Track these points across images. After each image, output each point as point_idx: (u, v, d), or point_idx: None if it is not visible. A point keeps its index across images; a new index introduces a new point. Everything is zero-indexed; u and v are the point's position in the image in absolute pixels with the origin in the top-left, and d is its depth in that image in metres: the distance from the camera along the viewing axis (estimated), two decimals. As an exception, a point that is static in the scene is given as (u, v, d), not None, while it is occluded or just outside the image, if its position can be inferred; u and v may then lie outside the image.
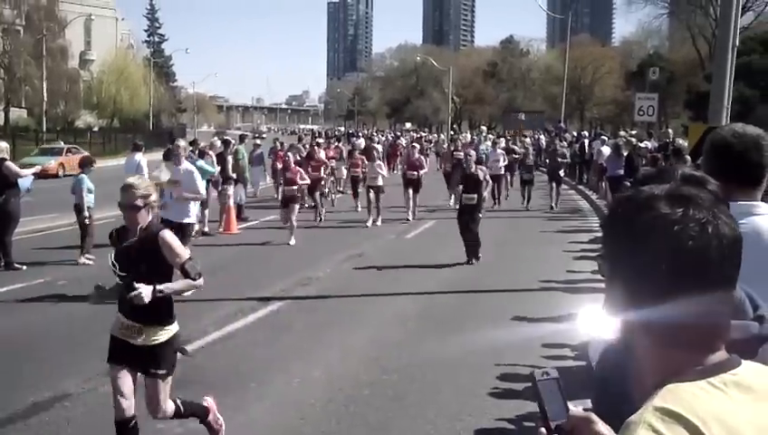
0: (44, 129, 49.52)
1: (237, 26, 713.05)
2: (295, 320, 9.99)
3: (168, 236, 5.13)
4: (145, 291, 4.86)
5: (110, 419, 6.44)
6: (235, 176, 18.56)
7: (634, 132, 29.70)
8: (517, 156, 25.32)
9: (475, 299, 11.47)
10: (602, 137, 29.85)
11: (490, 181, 14.73)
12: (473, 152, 15.17)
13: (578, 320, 5.99)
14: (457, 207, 14.66)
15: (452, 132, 70.23)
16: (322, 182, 20.72)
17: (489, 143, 35.15)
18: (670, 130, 27.45)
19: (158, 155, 22.47)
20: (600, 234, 17.56)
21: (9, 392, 7.02)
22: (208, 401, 5.73)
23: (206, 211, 17.35)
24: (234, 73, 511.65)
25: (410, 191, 20.09)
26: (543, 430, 1.57)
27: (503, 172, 23.99)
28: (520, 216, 21.52)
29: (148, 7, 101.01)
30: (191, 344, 8.67)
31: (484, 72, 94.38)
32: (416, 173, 20.08)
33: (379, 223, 19.18)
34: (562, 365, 7.27)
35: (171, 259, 5.06)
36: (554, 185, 23.31)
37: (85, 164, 13.99)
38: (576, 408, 1.59)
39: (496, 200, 23.08)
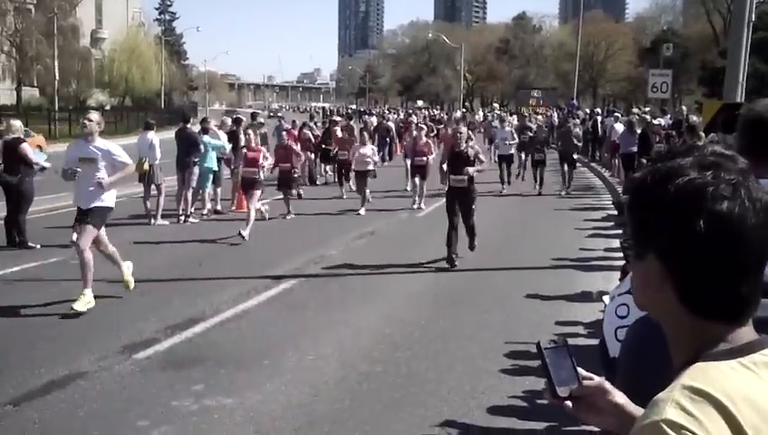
0: (56, 108, 49.53)
1: (248, 4, 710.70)
2: (308, 298, 10.02)
3: None
4: None
5: (126, 397, 6.52)
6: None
7: (647, 109, 29.52)
8: (532, 134, 23.40)
9: (487, 277, 11.46)
10: (615, 114, 29.71)
11: (484, 161, 12.59)
12: (464, 129, 13.07)
13: (603, 297, 5.98)
14: (445, 189, 12.57)
15: (464, 109, 70.02)
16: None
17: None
18: (684, 107, 27.27)
19: (170, 133, 22.49)
20: (612, 211, 17.54)
21: (25, 370, 7.08)
22: None
23: (219, 189, 17.40)
24: (245, 51, 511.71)
25: (417, 179, 18.48)
26: (566, 403, 1.56)
27: (512, 152, 22.28)
28: (532, 193, 21.24)
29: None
30: (204, 322, 8.75)
31: (497, 49, 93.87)
32: (424, 159, 18.52)
33: (362, 212, 17.42)
34: (575, 343, 7.25)
35: None
36: (567, 167, 21.74)
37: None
38: (589, 375, 1.58)
39: (505, 183, 21.56)
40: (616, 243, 13.72)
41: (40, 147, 20.82)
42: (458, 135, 12.38)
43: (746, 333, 1.33)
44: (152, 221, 15.43)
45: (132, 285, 9.78)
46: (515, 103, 67.97)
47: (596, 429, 1.61)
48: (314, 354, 7.66)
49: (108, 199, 9.38)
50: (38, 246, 12.72)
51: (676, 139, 15.36)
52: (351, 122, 30.36)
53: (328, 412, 6.24)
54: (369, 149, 18.65)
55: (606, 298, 5.18)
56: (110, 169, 9.36)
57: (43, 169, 13.30)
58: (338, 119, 29.06)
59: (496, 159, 22.80)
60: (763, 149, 2.74)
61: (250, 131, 16.17)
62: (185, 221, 15.87)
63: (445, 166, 12.51)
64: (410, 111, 55.45)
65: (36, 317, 8.90)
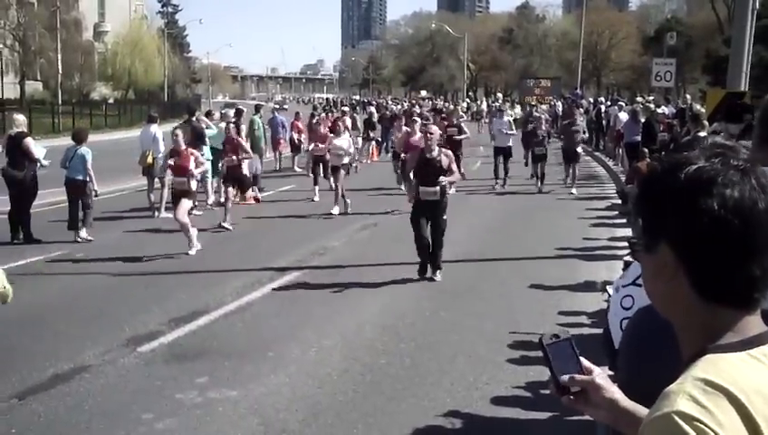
0: (60, 101, 49.49)
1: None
2: (312, 290, 10.03)
3: None
4: None
5: (131, 390, 6.54)
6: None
7: (651, 98, 29.44)
8: (532, 126, 21.37)
9: (490, 267, 11.46)
10: (619, 103, 29.64)
11: (456, 172, 10.84)
12: (435, 129, 10.98)
13: (606, 288, 5.98)
14: (411, 203, 10.74)
15: (467, 100, 69.89)
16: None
17: (509, 112, 34.31)
18: (688, 96, 27.19)
19: (173, 126, 22.51)
20: (616, 200, 17.51)
21: (30, 364, 7.11)
22: None
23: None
24: (248, 43, 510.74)
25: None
26: (557, 392, 1.58)
27: (510, 144, 20.19)
28: (532, 191, 19.60)
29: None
30: (208, 315, 8.77)
31: (500, 39, 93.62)
32: None
33: (335, 211, 15.71)
34: (578, 333, 7.26)
35: None
36: (571, 165, 19.77)
37: (84, 137, 13.57)
38: (591, 366, 1.59)
39: (498, 180, 19.96)
40: (620, 232, 13.72)
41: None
42: (428, 138, 10.30)
43: (755, 323, 1.35)
44: (156, 214, 15.45)
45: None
46: (519, 93, 67.77)
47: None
48: (318, 346, 7.67)
49: None
50: (43, 240, 12.75)
51: (678, 128, 15.32)
52: (353, 113, 30.20)
53: (332, 404, 6.26)
54: (346, 141, 16.76)
55: (610, 289, 5.19)
56: None
57: (42, 165, 13.25)
58: (346, 109, 28.96)
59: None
60: None
61: (221, 125, 16.24)
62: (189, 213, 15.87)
63: (413, 175, 10.56)
64: (414, 102, 55.16)
65: (41, 311, 8.92)
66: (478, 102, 58.32)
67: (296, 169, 23.69)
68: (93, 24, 77.33)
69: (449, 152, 10.80)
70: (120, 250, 12.19)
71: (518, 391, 6.47)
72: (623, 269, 5.21)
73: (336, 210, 15.74)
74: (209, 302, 9.28)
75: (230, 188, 14.72)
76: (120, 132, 43.64)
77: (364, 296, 9.70)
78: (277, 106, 44.15)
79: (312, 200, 17.40)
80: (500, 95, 61.75)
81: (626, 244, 11.91)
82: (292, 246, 12.70)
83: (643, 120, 18.79)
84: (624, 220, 14.78)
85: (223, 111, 19.36)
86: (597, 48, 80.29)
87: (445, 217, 10.40)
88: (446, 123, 20.28)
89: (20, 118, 13.75)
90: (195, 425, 5.87)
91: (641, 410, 1.54)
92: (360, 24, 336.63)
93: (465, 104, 59.32)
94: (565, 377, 1.56)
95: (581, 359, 1.60)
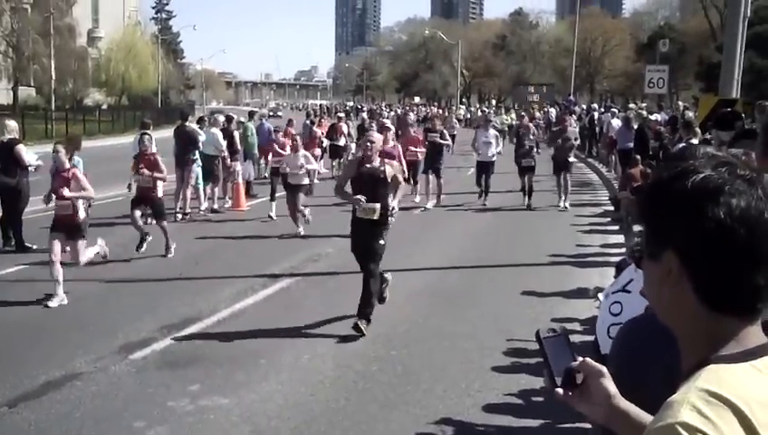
0: (53, 107, 49.42)
1: (245, 2, 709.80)
2: (305, 297, 10.02)
3: None
4: None
5: (122, 398, 6.52)
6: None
7: (644, 105, 29.53)
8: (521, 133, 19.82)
9: (483, 274, 11.46)
10: (612, 109, 29.71)
11: (403, 184, 8.90)
12: (376, 136, 9.02)
13: (598, 294, 5.99)
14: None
15: (461, 106, 70.00)
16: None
17: (504, 117, 34.15)
18: (680, 103, 27.27)
19: (167, 132, 22.47)
20: (609, 207, 17.55)
21: (21, 371, 7.08)
22: None
23: (216, 188, 17.38)
24: (242, 49, 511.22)
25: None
26: (557, 390, 1.58)
27: (494, 159, 18.54)
28: (520, 208, 18.04)
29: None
30: (201, 322, 8.75)
31: (494, 45, 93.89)
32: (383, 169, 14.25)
33: (301, 231, 14.25)
34: (571, 340, 7.25)
35: None
36: (563, 175, 18.03)
37: (78, 145, 13.09)
38: (588, 360, 1.60)
39: (482, 194, 18.50)
40: (612, 239, 13.76)
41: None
42: (368, 146, 8.52)
43: (757, 333, 1.35)
44: (149, 220, 15.39)
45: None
46: (513, 99, 67.93)
47: (589, 426, 1.62)
48: (310, 354, 7.66)
49: None
50: (34, 247, 12.70)
51: (669, 135, 15.36)
52: (347, 120, 30.27)
53: (324, 411, 6.25)
54: (303, 157, 14.64)
55: (601, 295, 5.19)
56: None
57: (36, 168, 13.22)
58: (342, 115, 29.17)
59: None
60: None
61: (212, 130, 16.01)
62: (182, 219, 15.87)
63: (349, 189, 8.66)
64: (407, 108, 55.20)
65: (32, 318, 8.89)
66: (473, 109, 58.30)
67: None
68: (87, 29, 77.17)
69: (395, 163, 9.65)
70: (112, 257, 12.15)
71: (510, 399, 6.47)
72: (615, 276, 5.22)
73: (302, 230, 14.22)
74: (202, 309, 9.26)
75: (136, 211, 12.37)
76: (113, 138, 43.57)
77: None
78: (271, 113, 43.94)
79: (270, 218, 15.81)
80: (494, 101, 61.73)
81: (619, 250, 11.95)
82: (285, 253, 12.68)
83: (636, 126, 18.84)
84: (617, 227, 14.80)
85: (213, 117, 19.23)
86: (590, 55, 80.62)
87: (382, 242, 8.43)
88: (427, 128, 19.72)
89: (12, 124, 13.66)
90: (187, 433, 5.86)
91: (635, 411, 1.55)
92: (353, 31, 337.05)
93: (462, 111, 59.31)
94: (574, 363, 1.57)
95: (576, 355, 1.61)
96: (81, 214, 9.92)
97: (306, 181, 14.67)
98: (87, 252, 10.15)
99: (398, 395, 6.58)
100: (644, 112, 21.75)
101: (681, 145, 10.02)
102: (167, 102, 78.21)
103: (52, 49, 51.48)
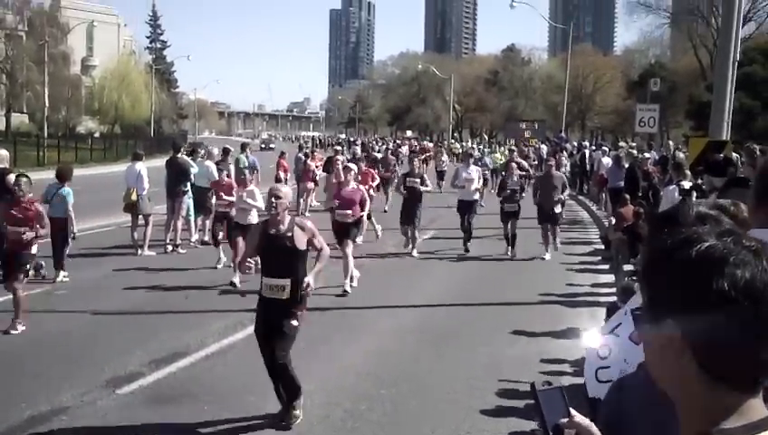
0: (46, 134, 49.48)
1: (239, 33, 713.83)
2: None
3: None
4: None
5: (109, 434, 6.45)
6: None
7: (634, 144, 29.73)
8: (524, 173, 19.00)
9: (473, 312, 11.43)
10: (603, 147, 29.87)
11: (325, 249, 7.69)
12: (284, 191, 7.41)
13: (583, 340, 5.97)
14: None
15: (452, 141, 70.27)
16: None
17: (498, 155, 33.93)
18: (671, 143, 27.46)
19: (159, 162, 22.45)
20: (599, 246, 17.56)
21: (6, 405, 7.01)
22: None
23: (207, 220, 17.33)
24: (235, 80, 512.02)
25: (344, 239, 12.79)
26: None
27: (475, 198, 17.26)
28: (503, 257, 16.20)
29: (151, 14, 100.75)
30: (189, 356, 8.69)
31: (486, 81, 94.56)
32: (348, 213, 12.95)
33: (236, 280, 12.26)
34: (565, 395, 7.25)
35: None
36: (547, 225, 16.31)
37: (67, 175, 13.24)
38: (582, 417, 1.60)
39: (466, 240, 16.68)
40: (603, 278, 13.76)
41: None
42: (273, 203, 7.15)
43: (759, 407, 1.32)
44: (139, 252, 15.36)
45: None
46: (504, 135, 68.26)
47: None
48: (299, 391, 7.60)
49: None
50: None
51: (659, 175, 15.45)
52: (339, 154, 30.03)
53: (311, 451, 6.19)
54: (255, 194, 13.20)
55: (587, 337, 5.17)
56: None
57: None
58: (339, 148, 28.28)
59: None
60: None
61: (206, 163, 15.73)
62: (173, 250, 15.83)
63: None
64: (398, 142, 55.42)
65: (18, 350, 8.82)
66: (465, 144, 58.44)
67: None
68: (81, 57, 77.70)
69: (308, 223, 7.56)
70: (101, 288, 12.12)
71: (499, 440, 6.44)
72: (605, 319, 5.22)
73: (237, 279, 12.23)
74: (190, 343, 9.21)
75: (16, 280, 9.92)
76: (105, 166, 43.54)
77: (347, 340, 9.66)
78: (263, 145, 43.89)
79: (215, 268, 13.96)
80: (486, 136, 62.01)
81: (609, 290, 11.95)
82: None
83: (627, 165, 18.95)
84: (607, 266, 14.82)
85: (208, 149, 19.21)
86: (582, 91, 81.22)
87: (294, 323, 6.87)
88: (406, 173, 17.19)
89: (2, 153, 13.63)
90: (172, 471, 5.80)
91: None
92: (347, 63, 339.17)
93: (458, 145, 59.23)
94: (563, 419, 1.57)
95: (571, 410, 1.61)
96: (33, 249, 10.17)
97: (255, 220, 12.45)
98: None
99: (387, 434, 6.54)
100: (634, 152, 21.90)
101: (677, 197, 10.07)
102: (159, 132, 78.31)
103: (45, 76, 51.69)
